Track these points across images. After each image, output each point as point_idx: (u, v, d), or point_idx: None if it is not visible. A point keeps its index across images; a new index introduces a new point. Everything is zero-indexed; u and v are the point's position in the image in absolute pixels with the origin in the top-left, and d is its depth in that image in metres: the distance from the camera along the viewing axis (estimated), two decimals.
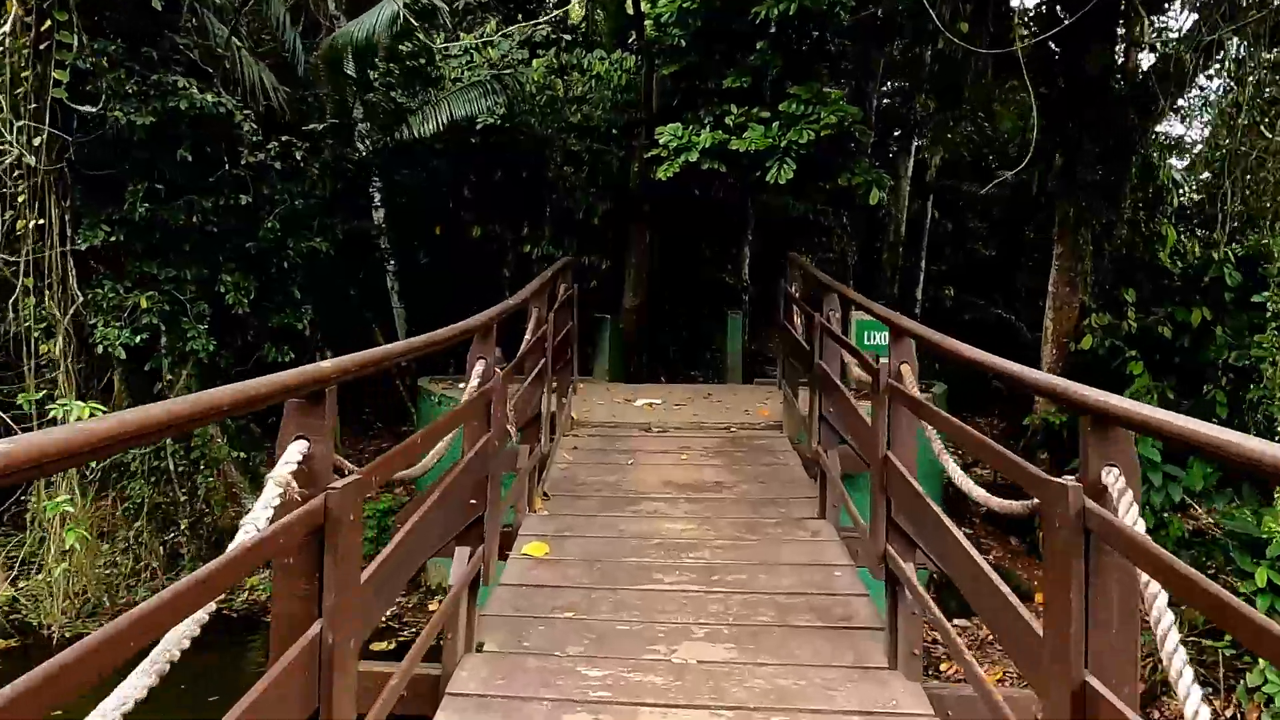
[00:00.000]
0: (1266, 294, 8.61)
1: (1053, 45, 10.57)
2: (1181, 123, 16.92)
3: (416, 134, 12.11)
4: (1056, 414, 10.08)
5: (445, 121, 12.00)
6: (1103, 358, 9.87)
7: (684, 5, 11.28)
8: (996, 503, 3.43)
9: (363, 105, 11.71)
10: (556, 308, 7.68)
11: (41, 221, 8.49)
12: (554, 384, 7.74)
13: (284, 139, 9.51)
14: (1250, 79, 10.22)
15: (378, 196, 14.75)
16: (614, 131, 14.81)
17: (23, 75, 8.09)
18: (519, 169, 13.41)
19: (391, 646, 7.75)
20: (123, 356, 8.78)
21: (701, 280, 19.41)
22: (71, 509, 7.97)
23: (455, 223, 13.31)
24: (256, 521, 2.20)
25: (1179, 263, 10.61)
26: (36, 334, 8.61)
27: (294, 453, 2.41)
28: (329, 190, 10.77)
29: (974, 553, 3.21)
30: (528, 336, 6.01)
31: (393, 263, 14.87)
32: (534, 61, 13.41)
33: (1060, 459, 10.76)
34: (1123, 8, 10.60)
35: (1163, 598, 2.12)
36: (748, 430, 8.08)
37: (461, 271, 13.62)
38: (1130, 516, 2.26)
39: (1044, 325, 10.61)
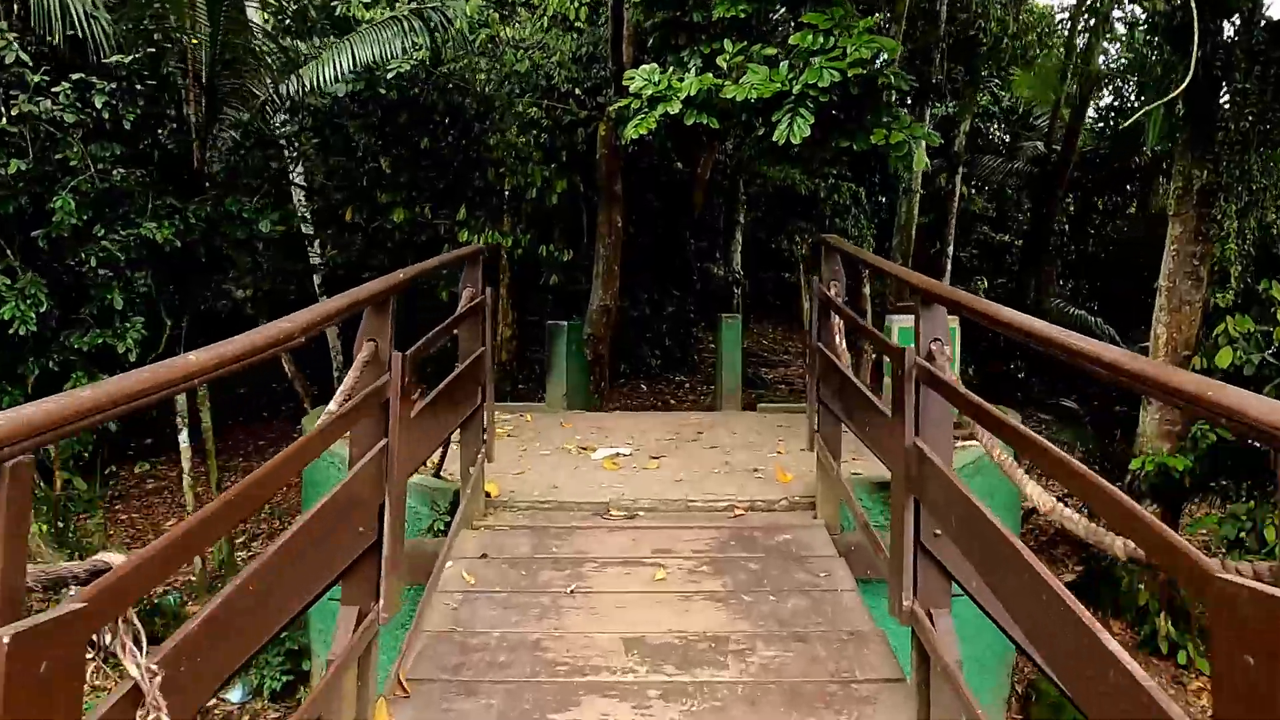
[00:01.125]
0: None
1: None
2: None
3: (311, 84, 9.10)
4: (1179, 456, 7.21)
5: (349, 69, 8.99)
6: (1247, 378, 6.98)
7: None
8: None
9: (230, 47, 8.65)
10: (456, 321, 4.75)
11: None
12: (455, 439, 4.82)
13: (77, 78, 6.49)
14: None
15: (298, 176, 11.76)
16: (576, 91, 11.84)
17: None
18: (452, 136, 10.41)
19: None
20: None
21: (685, 273, 16.43)
22: None
23: (377, 206, 10.29)
24: None
25: None
26: None
27: None
28: (161, 155, 7.76)
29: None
30: (344, 384, 3.08)
31: (319, 258, 11.89)
32: None
33: (1174, 509, 7.91)
34: None
35: None
36: (761, 513, 5.13)
37: (387, 268, 10.60)
38: None
39: (1153, 332, 7.72)
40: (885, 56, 8.23)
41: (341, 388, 3.13)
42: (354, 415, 3.09)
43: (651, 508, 5.14)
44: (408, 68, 8.94)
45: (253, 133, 10.89)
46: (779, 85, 7.87)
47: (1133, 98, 18.46)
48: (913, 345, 3.27)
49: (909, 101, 14.39)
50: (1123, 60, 17.49)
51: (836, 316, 4.81)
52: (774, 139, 7.83)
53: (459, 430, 4.87)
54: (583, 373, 9.73)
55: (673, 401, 15.51)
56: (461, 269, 4.98)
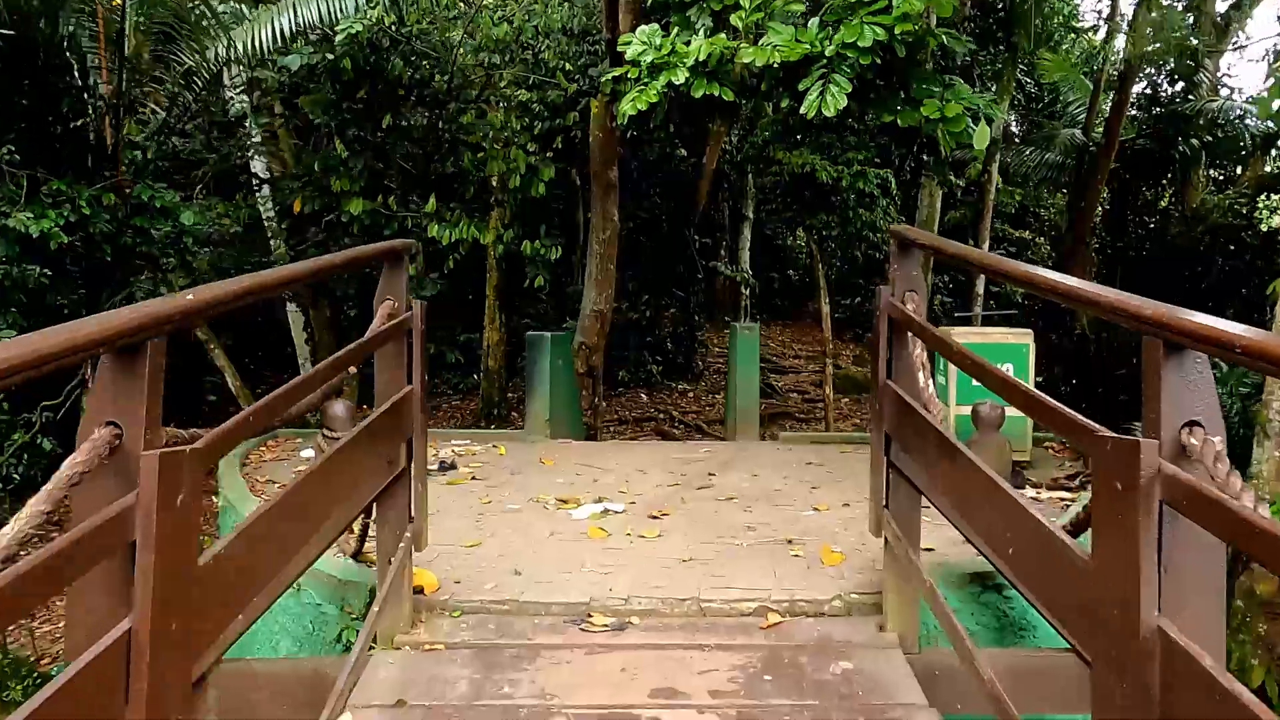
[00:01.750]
0: None
1: None
2: None
3: (256, 51, 7.59)
4: None
5: (290, 30, 7.47)
6: None
7: None
8: None
9: None
10: (367, 345, 3.25)
11: None
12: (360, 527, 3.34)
13: None
14: None
15: (257, 163, 10.26)
16: (566, 66, 10.33)
17: None
18: (420, 114, 8.90)
19: None
20: None
21: (689, 272, 14.92)
22: None
23: (333, 195, 8.76)
24: None
25: None
26: None
27: None
28: (64, 132, 6.25)
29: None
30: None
31: (285, 253, 10.41)
32: None
33: None
34: None
35: None
36: (806, 619, 3.61)
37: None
38: None
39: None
40: (935, 17, 6.71)
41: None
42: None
43: (649, 610, 3.62)
44: (360, 28, 7.42)
45: (193, 112, 9.40)
46: (807, 46, 6.36)
47: (1167, 83, 16.98)
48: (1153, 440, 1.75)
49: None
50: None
51: (918, 345, 3.29)
52: (802, 112, 6.34)
53: (374, 504, 3.37)
54: (570, 391, 8.22)
55: (675, 413, 14.04)
56: (379, 270, 3.46)
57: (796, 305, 25.34)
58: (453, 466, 6.16)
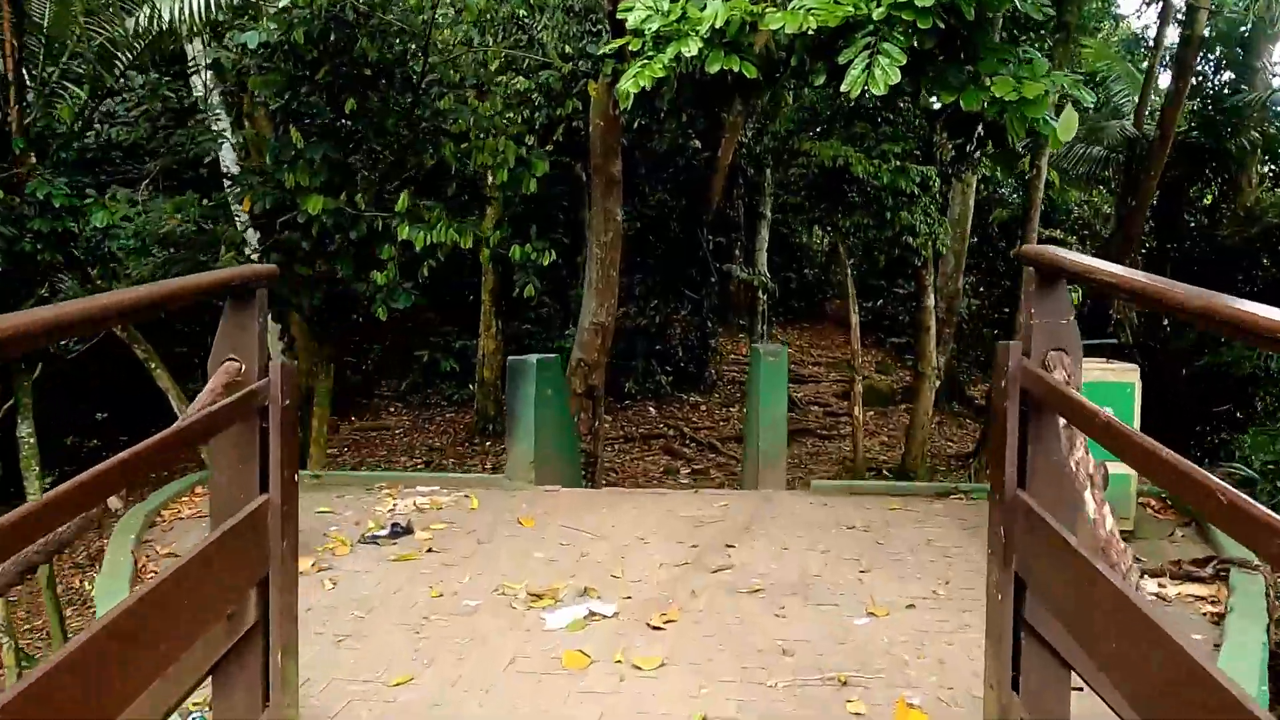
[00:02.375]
0: None
1: None
2: None
3: (187, 13, 6.35)
4: None
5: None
6: None
7: None
8: None
9: None
10: (181, 437, 1.98)
11: None
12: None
13: None
14: None
15: (228, 155, 9.04)
16: (566, 49, 9.07)
17: None
18: (394, 98, 7.65)
19: None
20: None
21: (702, 275, 13.63)
22: None
23: (287, 192, 7.51)
24: None
25: None
26: None
27: None
28: None
29: None
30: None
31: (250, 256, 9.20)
32: None
33: None
34: None
35: None
36: None
37: (307, 275, 7.91)
38: None
39: None
40: None
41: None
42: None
43: None
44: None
45: (141, 97, 8.19)
46: (850, 9, 5.08)
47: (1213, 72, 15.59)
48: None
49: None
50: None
51: (1077, 442, 2.00)
52: (844, 90, 5.05)
53: (211, 680, 2.12)
54: (561, 424, 6.95)
55: (686, 429, 12.74)
56: (219, 308, 2.19)
57: (813, 306, 23.98)
58: (408, 531, 4.91)
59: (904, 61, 4.99)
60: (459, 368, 13.53)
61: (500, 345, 12.37)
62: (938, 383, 9.84)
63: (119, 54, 6.49)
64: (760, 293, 13.58)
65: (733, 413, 13.42)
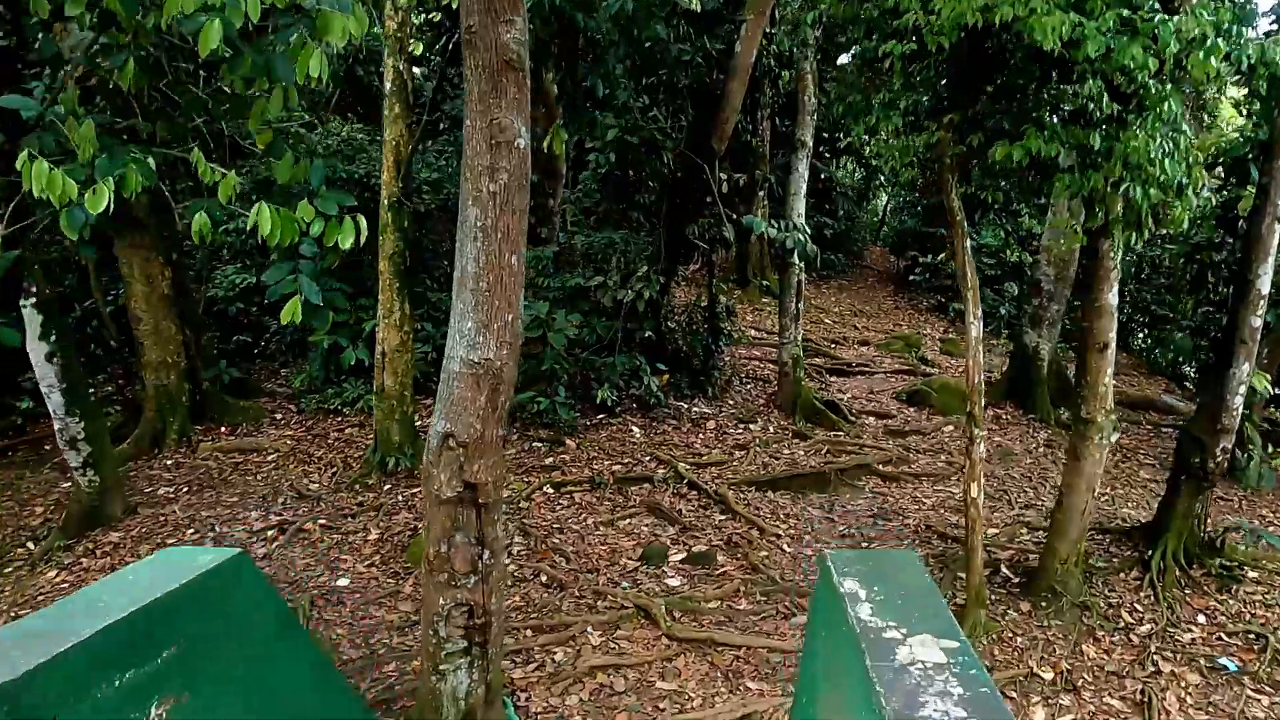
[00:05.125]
0: None
1: None
2: None
3: None
4: None
5: None
6: None
7: None
8: None
9: None
10: None
11: None
12: None
13: None
14: None
15: None
16: None
17: None
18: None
19: None
20: None
21: (708, 233, 9.16)
22: None
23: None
24: None
25: None
26: None
27: None
28: None
29: None
30: None
31: None
32: None
33: None
34: None
35: None
36: None
37: None
38: None
39: None
40: None
41: None
42: None
43: None
44: None
45: None
46: None
47: None
48: None
49: None
50: None
51: None
52: None
53: None
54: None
55: (685, 464, 8.42)
56: None
57: (850, 256, 19.32)
58: None
59: None
60: (368, 361, 9.32)
61: (407, 339, 8.07)
62: (1114, 434, 5.44)
63: None
64: (794, 256, 9.11)
65: (753, 430, 9.09)
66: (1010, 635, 5.42)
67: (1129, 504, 7.85)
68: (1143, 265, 16.90)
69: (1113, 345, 5.35)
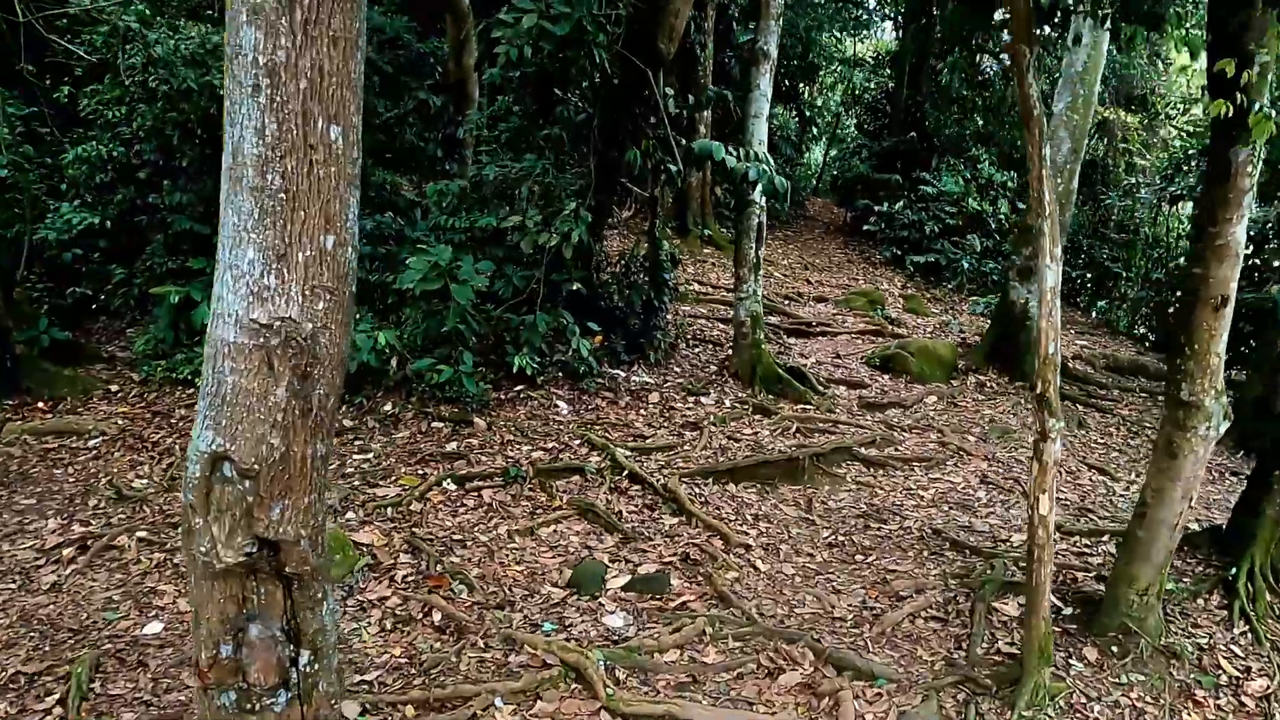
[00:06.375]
0: None
1: None
2: None
3: None
4: None
5: None
6: None
7: None
8: None
9: None
10: None
11: None
12: None
13: None
14: None
15: None
16: None
17: None
18: None
19: None
20: None
21: (647, 160, 7.36)
22: None
23: None
24: None
25: None
26: None
27: None
28: None
29: None
30: None
31: None
32: None
33: None
34: None
35: None
36: None
37: None
38: None
39: None
40: None
41: None
42: None
43: None
44: None
45: None
46: None
47: None
48: None
49: None
50: None
51: None
52: None
53: None
54: None
55: (626, 449, 6.66)
56: None
57: (794, 206, 17.71)
58: None
59: None
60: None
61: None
62: (1225, 422, 3.90)
63: None
64: (755, 192, 7.37)
65: (706, 405, 7.41)
66: (1082, 701, 3.88)
67: None
68: (1096, 219, 15.71)
69: (1233, 300, 3.77)
